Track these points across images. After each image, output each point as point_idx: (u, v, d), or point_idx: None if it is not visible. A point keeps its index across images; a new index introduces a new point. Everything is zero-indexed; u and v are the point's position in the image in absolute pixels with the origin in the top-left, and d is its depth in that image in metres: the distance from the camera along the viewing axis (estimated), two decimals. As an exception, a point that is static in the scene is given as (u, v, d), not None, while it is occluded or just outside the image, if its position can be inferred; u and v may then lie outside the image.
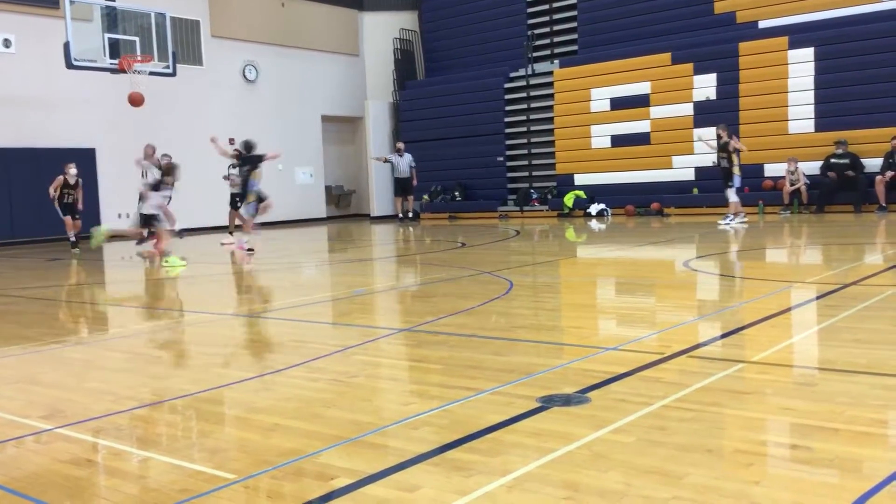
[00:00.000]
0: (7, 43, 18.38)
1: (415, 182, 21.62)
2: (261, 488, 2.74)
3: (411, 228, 18.96)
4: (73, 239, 15.02)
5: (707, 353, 4.56)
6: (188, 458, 3.10)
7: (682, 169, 19.17)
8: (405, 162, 21.33)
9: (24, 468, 3.08)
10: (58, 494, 2.77)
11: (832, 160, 16.65)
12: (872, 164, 16.41)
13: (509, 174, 22.85)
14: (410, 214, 21.64)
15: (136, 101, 15.44)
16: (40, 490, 2.82)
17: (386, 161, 22.13)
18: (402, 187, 21.64)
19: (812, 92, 17.55)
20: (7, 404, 4.10)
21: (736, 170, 14.82)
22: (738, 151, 14.85)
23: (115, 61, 16.90)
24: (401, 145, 21.61)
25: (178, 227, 14.35)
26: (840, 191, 16.59)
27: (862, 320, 5.23)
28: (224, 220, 16.96)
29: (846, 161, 16.51)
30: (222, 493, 2.69)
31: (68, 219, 14.90)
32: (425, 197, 23.71)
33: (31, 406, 4.04)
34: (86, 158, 19.27)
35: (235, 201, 14.93)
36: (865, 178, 16.41)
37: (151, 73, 17.45)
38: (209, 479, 2.84)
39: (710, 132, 16.34)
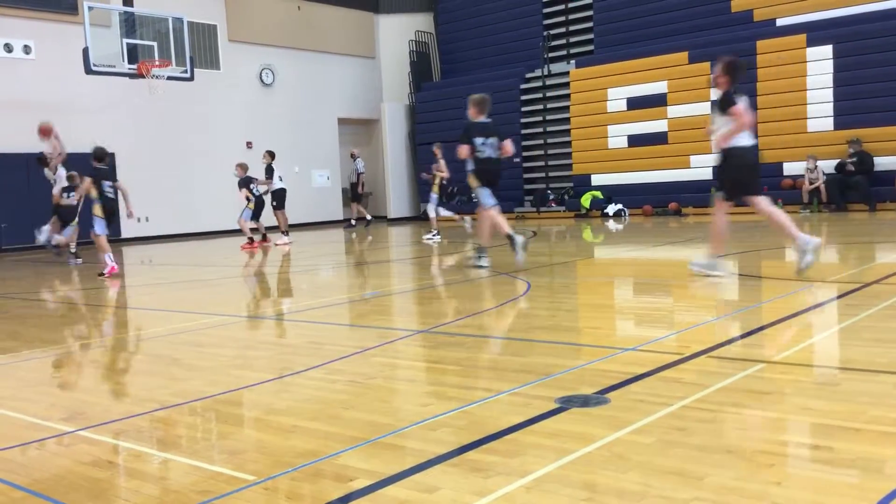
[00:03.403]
0: (27, 49, 18.57)
1: (360, 189, 21.36)
2: (280, 489, 2.75)
3: (355, 234, 19.05)
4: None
5: (727, 353, 4.53)
6: (208, 460, 3.11)
7: (699, 168, 19.08)
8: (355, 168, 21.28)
9: (47, 470, 3.11)
10: (80, 496, 2.79)
11: (846, 159, 16.62)
12: (892, 161, 16.28)
13: (526, 175, 22.82)
14: (355, 221, 21.48)
15: (44, 131, 14.74)
16: (63, 492, 2.84)
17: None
18: (354, 192, 21.48)
19: (831, 90, 17.43)
20: (29, 407, 4.14)
21: (434, 188, 15.36)
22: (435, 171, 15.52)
23: (134, 66, 17.05)
24: (355, 151, 21.67)
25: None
26: (847, 189, 16.54)
27: (883, 319, 5.17)
28: (231, 226, 17.11)
29: (853, 160, 16.44)
30: (242, 495, 2.71)
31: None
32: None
33: (53, 408, 4.07)
34: (105, 163, 19.44)
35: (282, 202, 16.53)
36: (868, 177, 16.34)
37: (169, 78, 17.60)
38: (229, 480, 2.85)
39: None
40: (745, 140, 7.13)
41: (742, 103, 6.96)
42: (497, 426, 3.26)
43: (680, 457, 2.81)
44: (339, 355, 5.03)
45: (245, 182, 15.82)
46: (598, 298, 7.46)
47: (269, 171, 16.19)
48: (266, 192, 16.41)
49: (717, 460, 2.77)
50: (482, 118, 9.22)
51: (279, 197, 16.44)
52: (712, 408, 3.38)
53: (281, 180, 16.37)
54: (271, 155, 16.46)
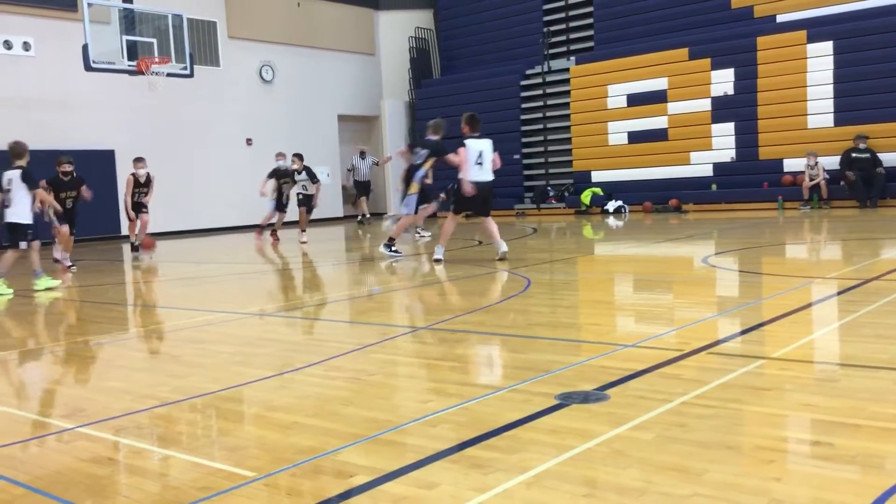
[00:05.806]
0: (26, 46, 18.54)
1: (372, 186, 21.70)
2: (280, 486, 2.75)
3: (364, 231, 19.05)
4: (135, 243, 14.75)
5: (727, 349, 4.53)
6: (208, 456, 3.12)
7: (700, 165, 19.07)
8: (366, 165, 21.39)
9: (47, 467, 3.11)
10: (80, 493, 2.80)
11: (853, 155, 16.51)
12: (892, 158, 16.25)
13: (526, 172, 22.79)
14: (368, 216, 21.42)
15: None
16: (63, 488, 2.85)
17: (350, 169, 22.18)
18: (364, 189, 21.51)
19: (831, 86, 17.40)
20: (29, 404, 4.14)
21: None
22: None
23: (134, 63, 17.02)
24: (364, 148, 21.80)
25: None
26: (865, 186, 16.47)
27: (883, 315, 5.17)
28: (231, 222, 17.11)
29: (867, 156, 16.36)
30: (242, 491, 2.71)
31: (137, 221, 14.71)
32: (442, 195, 23.69)
33: (53, 405, 4.08)
34: (105, 160, 19.41)
35: (303, 200, 16.86)
36: (883, 172, 16.31)
37: (169, 75, 17.55)
38: (229, 476, 2.86)
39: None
40: (477, 176, 9.55)
41: (472, 148, 9.50)
42: (497, 422, 3.26)
43: (680, 453, 2.81)
44: (339, 352, 5.03)
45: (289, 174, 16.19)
46: (597, 295, 7.46)
47: (313, 175, 16.47)
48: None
49: (716, 456, 2.77)
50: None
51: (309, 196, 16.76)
52: (712, 404, 3.38)
53: None
54: (300, 158, 16.58)
